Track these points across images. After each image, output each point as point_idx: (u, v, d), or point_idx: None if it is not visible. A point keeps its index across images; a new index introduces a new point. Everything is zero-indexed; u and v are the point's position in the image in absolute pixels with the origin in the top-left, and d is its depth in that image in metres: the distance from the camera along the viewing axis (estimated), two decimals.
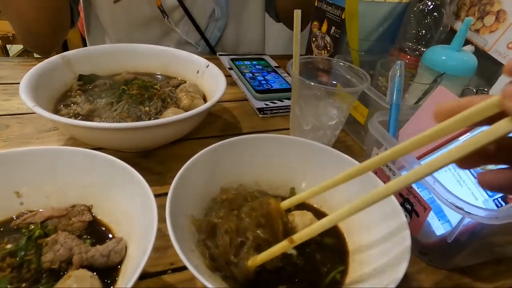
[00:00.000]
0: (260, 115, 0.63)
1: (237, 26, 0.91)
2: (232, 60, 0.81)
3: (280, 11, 0.93)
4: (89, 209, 0.34)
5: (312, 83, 0.47)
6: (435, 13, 0.60)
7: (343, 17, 0.64)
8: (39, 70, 0.49)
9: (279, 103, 0.68)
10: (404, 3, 0.66)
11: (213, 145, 0.38)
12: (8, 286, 0.25)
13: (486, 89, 0.41)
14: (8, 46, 1.96)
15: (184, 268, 0.35)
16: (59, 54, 0.54)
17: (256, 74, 0.75)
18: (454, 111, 0.22)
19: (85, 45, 1.04)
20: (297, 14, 0.45)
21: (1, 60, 0.71)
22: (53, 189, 0.34)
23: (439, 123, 0.23)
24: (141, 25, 0.80)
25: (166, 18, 0.79)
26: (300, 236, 0.28)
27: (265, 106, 0.66)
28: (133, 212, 0.32)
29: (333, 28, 0.68)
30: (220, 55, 0.85)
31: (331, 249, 0.35)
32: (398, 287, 0.34)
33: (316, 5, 0.71)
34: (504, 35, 0.55)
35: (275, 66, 0.81)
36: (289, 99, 0.68)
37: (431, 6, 0.61)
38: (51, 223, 0.31)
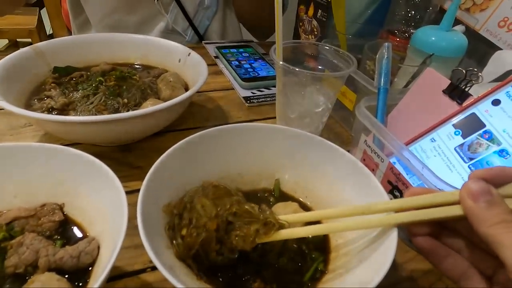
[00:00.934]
0: (247, 104, 0.61)
1: (226, 15, 0.88)
2: (218, 48, 0.78)
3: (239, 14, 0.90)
4: (60, 207, 0.32)
5: (297, 69, 0.45)
6: None
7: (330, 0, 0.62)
8: (9, 61, 0.46)
9: (266, 91, 0.65)
10: None
11: (192, 136, 0.36)
12: None
13: (476, 70, 0.40)
14: None
15: None
16: (31, 45, 0.51)
17: (242, 62, 0.73)
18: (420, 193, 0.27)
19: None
20: None
21: None
22: (21, 187, 0.32)
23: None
24: (127, 8, 0.77)
25: (156, 0, 0.75)
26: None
27: (252, 94, 0.64)
28: (106, 209, 0.30)
29: (320, 11, 0.65)
30: (206, 43, 0.82)
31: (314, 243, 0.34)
32: (387, 276, 0.33)
33: None
34: (495, 13, 0.53)
35: (262, 53, 0.78)
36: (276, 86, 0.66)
37: None
38: (18, 224, 0.29)
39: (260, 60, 0.75)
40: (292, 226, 0.30)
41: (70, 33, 1.16)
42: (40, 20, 2.05)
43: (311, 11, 0.68)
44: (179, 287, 0.22)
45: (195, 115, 0.57)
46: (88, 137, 0.44)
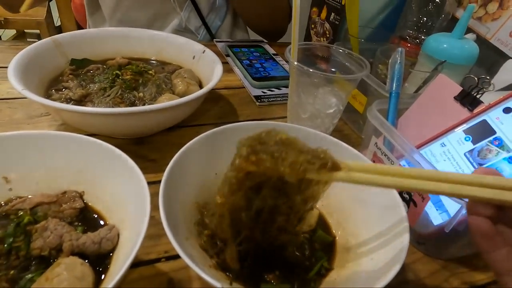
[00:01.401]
0: (257, 103, 0.62)
1: (236, 17, 0.89)
2: (229, 47, 0.79)
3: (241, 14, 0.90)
4: (80, 195, 0.33)
5: (311, 70, 0.46)
6: (436, 0, 0.59)
7: (343, 3, 0.62)
8: (29, 52, 0.47)
9: (276, 91, 0.66)
10: None
11: (208, 131, 0.37)
12: None
13: (488, 77, 0.41)
14: (0, 32, 1.92)
15: (178, 256, 0.34)
16: (50, 37, 0.52)
17: (253, 62, 0.74)
18: None
19: (80, 30, 1.02)
20: None
21: None
22: (43, 174, 0.33)
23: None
24: (141, 3, 0.78)
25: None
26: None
27: (262, 94, 0.65)
28: (126, 199, 0.31)
29: (333, 14, 0.66)
30: (217, 41, 0.83)
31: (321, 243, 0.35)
32: (394, 278, 0.34)
33: None
34: (507, 23, 0.53)
35: (273, 54, 0.79)
36: (286, 87, 0.67)
37: None
38: (41, 209, 0.30)
39: (270, 60, 0.76)
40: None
41: (78, 26, 1.17)
42: (48, 12, 2.06)
43: (324, 14, 0.68)
44: (199, 272, 0.23)
45: (206, 112, 0.58)
46: (105, 129, 0.45)
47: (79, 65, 0.54)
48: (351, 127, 0.60)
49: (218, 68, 0.51)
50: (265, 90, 0.66)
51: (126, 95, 0.48)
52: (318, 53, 0.53)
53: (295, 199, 0.27)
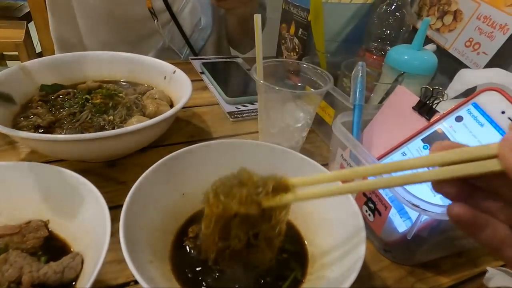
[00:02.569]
0: (231, 119, 0.63)
1: (220, 38, 0.91)
2: (203, 64, 0.80)
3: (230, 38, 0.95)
4: (45, 224, 0.33)
5: (277, 88, 0.47)
6: (397, 13, 0.62)
7: (308, 19, 0.65)
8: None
9: (250, 106, 0.68)
10: (368, 4, 0.67)
11: (172, 153, 0.38)
12: None
13: (441, 88, 0.43)
14: None
15: None
16: (18, 65, 0.52)
17: (227, 78, 0.75)
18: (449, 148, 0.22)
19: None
20: (257, 18, 0.45)
21: None
22: (6, 205, 0.33)
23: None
24: (123, 27, 0.79)
25: (156, 21, 0.78)
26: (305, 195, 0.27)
27: (236, 109, 0.66)
28: (89, 225, 0.31)
29: (301, 30, 0.68)
30: (192, 59, 0.85)
31: (292, 253, 0.36)
32: (361, 286, 0.34)
33: (283, 7, 0.72)
34: (462, 34, 0.56)
35: (247, 69, 0.81)
36: None
37: (394, 6, 0.62)
38: (2, 241, 0.30)
39: (246, 76, 0.77)
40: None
41: None
42: (27, 33, 2.05)
43: (292, 30, 0.71)
44: None
45: (180, 131, 0.58)
46: (74, 154, 0.45)
47: (49, 91, 0.54)
48: (322, 138, 0.61)
49: (188, 88, 0.52)
50: (239, 106, 0.67)
51: (95, 119, 0.48)
52: (288, 68, 0.55)
53: (263, 227, 0.29)
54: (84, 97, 0.51)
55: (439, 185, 0.23)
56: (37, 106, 0.50)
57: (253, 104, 0.69)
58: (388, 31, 0.65)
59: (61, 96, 0.53)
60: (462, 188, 0.23)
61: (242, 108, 0.67)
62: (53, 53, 1.05)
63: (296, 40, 0.70)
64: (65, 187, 0.33)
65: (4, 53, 2.25)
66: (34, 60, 0.54)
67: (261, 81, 0.48)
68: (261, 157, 0.41)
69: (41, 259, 0.30)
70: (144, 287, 0.24)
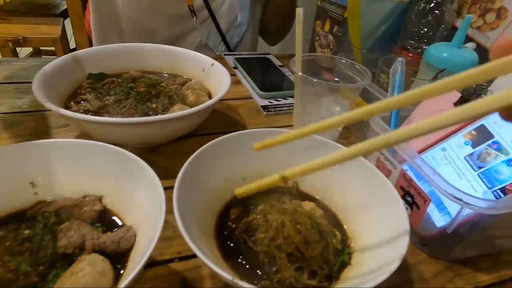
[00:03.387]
0: (264, 113, 0.65)
1: (254, 35, 0.93)
2: (236, 59, 0.82)
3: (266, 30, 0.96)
4: (99, 199, 0.35)
5: (315, 80, 0.48)
6: (436, 11, 0.61)
7: (345, 15, 0.65)
8: (51, 68, 0.50)
9: (283, 101, 0.69)
10: (406, 1, 0.66)
11: (217, 139, 0.39)
12: (28, 268, 0.27)
13: (485, 84, 0.42)
14: (18, 49, 2.01)
15: (190, 256, 0.36)
16: (70, 54, 0.55)
17: (260, 73, 0.77)
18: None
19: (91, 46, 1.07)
20: (299, 12, 0.46)
21: (13, 60, 0.73)
22: (66, 180, 0.36)
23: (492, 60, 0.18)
24: (163, 24, 0.82)
25: (194, 18, 0.80)
26: (293, 173, 0.26)
27: (269, 103, 0.67)
28: (142, 202, 0.33)
29: (336, 26, 0.69)
30: (225, 54, 0.87)
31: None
32: (399, 277, 0.35)
33: (318, 4, 0.73)
34: (505, 32, 0.55)
35: (279, 65, 0.82)
36: (292, 97, 0.69)
37: (433, 4, 0.62)
38: (64, 212, 0.33)
39: (276, 72, 0.78)
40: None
41: (90, 42, 1.23)
42: (63, 30, 2.15)
43: (327, 27, 0.71)
44: (212, 266, 0.25)
45: (216, 122, 0.60)
46: (120, 138, 0.47)
47: (95, 79, 0.57)
48: (355, 135, 0.61)
49: (226, 79, 0.54)
50: (271, 100, 0.69)
51: (140, 106, 0.51)
52: (322, 64, 0.56)
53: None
54: (128, 85, 0.53)
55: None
56: (85, 92, 0.53)
57: (286, 99, 0.70)
58: (426, 29, 0.64)
59: (106, 84, 0.56)
60: None
61: (275, 102, 0.68)
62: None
63: (330, 37, 0.71)
64: (120, 165, 0.35)
65: (41, 48, 2.36)
66: (83, 50, 0.57)
67: (300, 73, 0.49)
68: (300, 146, 0.42)
69: (98, 229, 0.32)
70: (201, 258, 0.26)
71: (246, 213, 0.37)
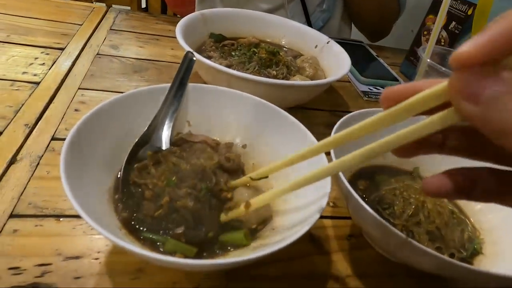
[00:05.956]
0: (365, 98, 0.65)
1: (339, 22, 0.92)
2: None
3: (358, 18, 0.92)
4: (242, 147, 0.38)
5: (443, 69, 0.47)
6: None
7: (469, 13, 0.63)
8: (185, 22, 0.54)
9: (382, 90, 0.68)
10: None
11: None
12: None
13: None
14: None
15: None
16: (199, 12, 0.58)
17: (358, 59, 0.76)
18: (401, 96, 0.19)
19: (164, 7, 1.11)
20: None
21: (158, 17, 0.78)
22: (215, 124, 0.39)
23: (385, 110, 0.20)
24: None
25: None
26: (257, 201, 0.28)
27: (369, 90, 0.67)
28: (281, 153, 0.35)
29: (454, 23, 0.66)
30: None
31: None
32: None
33: None
34: None
35: (376, 55, 0.81)
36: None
37: None
38: (202, 147, 0.36)
39: (375, 60, 0.78)
40: None
41: (163, 5, 1.26)
42: None
43: (443, 22, 0.69)
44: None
45: (320, 100, 0.61)
46: None
47: (215, 39, 0.60)
48: None
49: (346, 60, 0.54)
50: (371, 87, 0.68)
51: (262, 71, 0.53)
52: (447, 58, 0.54)
53: None
54: (252, 50, 0.56)
55: (429, 186, 0.20)
56: (211, 50, 0.56)
57: (384, 88, 0.69)
58: None
59: (226, 46, 0.59)
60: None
61: (375, 90, 0.68)
62: (158, 10, 1.15)
63: (444, 33, 0.69)
64: (267, 118, 0.37)
65: (113, 5, 2.46)
66: (211, 9, 0.60)
67: (429, 60, 0.48)
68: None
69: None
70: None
71: None
